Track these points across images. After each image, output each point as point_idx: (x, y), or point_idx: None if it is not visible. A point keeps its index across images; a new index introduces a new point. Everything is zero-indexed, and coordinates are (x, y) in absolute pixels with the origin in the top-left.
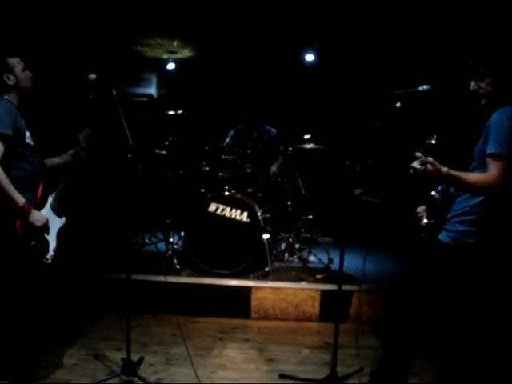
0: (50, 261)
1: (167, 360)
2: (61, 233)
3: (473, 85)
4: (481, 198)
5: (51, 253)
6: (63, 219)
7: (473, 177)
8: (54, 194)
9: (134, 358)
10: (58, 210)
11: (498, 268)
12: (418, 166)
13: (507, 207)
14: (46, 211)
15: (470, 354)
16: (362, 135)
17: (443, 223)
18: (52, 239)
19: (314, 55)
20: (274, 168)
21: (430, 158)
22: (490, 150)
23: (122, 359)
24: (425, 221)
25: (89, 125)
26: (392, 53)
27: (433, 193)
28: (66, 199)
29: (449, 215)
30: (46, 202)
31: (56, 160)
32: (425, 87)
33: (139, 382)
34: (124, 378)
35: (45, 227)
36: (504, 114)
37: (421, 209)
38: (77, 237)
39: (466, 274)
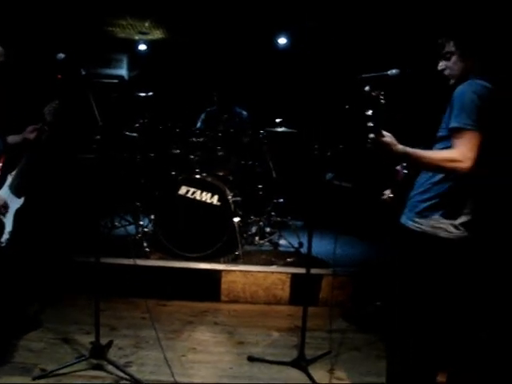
0: (4, 244)
1: (136, 343)
2: (19, 214)
3: (440, 64)
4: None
5: (7, 236)
6: (22, 199)
7: (434, 154)
8: (14, 173)
9: (104, 341)
10: (17, 190)
11: (465, 258)
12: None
13: (471, 186)
14: (4, 191)
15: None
16: (333, 119)
17: (405, 201)
18: (9, 222)
19: (287, 38)
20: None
21: (386, 134)
22: (452, 123)
23: (91, 342)
24: (387, 198)
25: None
26: (363, 36)
27: (397, 167)
28: (27, 178)
29: (412, 193)
30: (4, 181)
31: (17, 137)
32: (394, 71)
33: (108, 365)
34: (93, 361)
35: (2, 208)
36: (468, 86)
37: (388, 190)
38: (36, 218)
39: (432, 264)
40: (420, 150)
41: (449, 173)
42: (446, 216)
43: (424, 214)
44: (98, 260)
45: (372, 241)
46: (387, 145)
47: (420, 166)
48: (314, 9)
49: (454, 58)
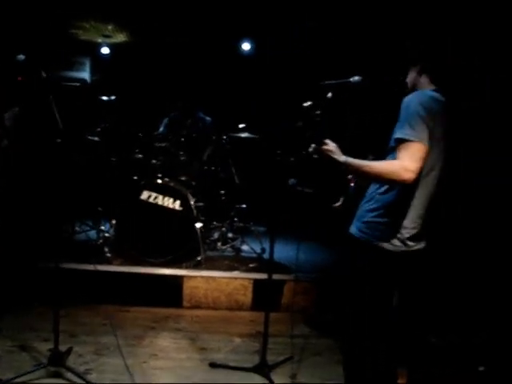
0: None
1: (97, 350)
2: None
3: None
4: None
5: None
6: None
7: (376, 165)
8: None
9: (63, 348)
10: None
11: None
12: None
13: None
14: None
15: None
16: (296, 126)
17: (355, 210)
18: None
19: (250, 44)
20: (204, 156)
21: (329, 143)
22: (397, 134)
23: (50, 350)
24: (338, 206)
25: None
26: (327, 43)
27: (349, 176)
28: None
29: (361, 202)
30: None
31: None
32: (356, 78)
33: (67, 372)
34: (51, 369)
35: None
36: (415, 97)
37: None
38: None
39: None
40: (363, 161)
41: (390, 184)
42: (390, 227)
43: (370, 224)
44: (58, 265)
45: (334, 247)
46: (328, 154)
47: (362, 176)
48: (277, 14)
49: (416, 68)
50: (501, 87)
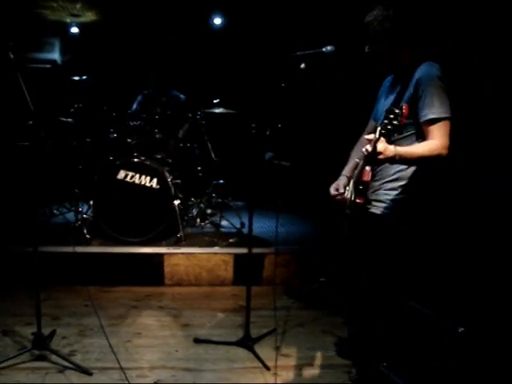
0: None
1: (80, 331)
2: None
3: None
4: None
5: None
6: None
7: (421, 149)
8: None
9: (46, 331)
10: None
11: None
12: (369, 149)
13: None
14: None
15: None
16: (270, 98)
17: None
18: None
19: (222, 18)
20: (179, 135)
21: (378, 147)
22: (430, 115)
23: (33, 333)
24: (349, 195)
25: None
26: (298, 13)
27: (366, 168)
28: None
29: (376, 183)
30: None
31: None
32: (328, 48)
33: (51, 355)
34: (36, 352)
35: None
36: (431, 70)
37: (336, 185)
38: None
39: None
40: (407, 148)
41: (431, 163)
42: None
43: (397, 201)
44: (36, 249)
45: (313, 218)
46: (382, 159)
47: (407, 161)
48: None
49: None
50: (501, 87)
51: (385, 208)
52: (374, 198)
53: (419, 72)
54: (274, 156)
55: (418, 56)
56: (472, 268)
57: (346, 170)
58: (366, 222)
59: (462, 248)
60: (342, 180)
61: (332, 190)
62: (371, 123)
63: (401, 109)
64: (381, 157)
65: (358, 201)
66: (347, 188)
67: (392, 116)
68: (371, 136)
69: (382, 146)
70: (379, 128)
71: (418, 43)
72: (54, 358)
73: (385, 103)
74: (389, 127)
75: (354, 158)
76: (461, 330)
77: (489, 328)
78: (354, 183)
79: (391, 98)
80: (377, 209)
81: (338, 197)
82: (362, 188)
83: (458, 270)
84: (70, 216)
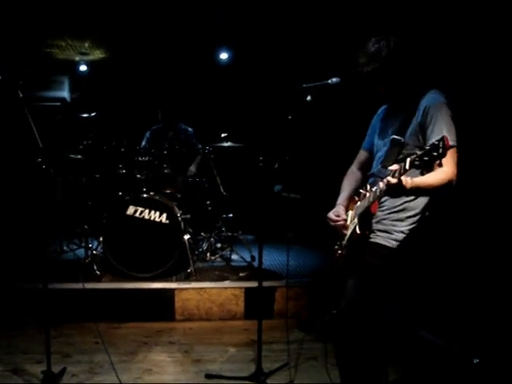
0: None
1: (90, 369)
2: None
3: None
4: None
5: None
6: None
7: (432, 178)
8: None
9: (56, 369)
10: None
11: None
12: (393, 180)
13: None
14: None
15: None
16: (278, 131)
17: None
18: None
19: (228, 53)
20: (192, 168)
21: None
22: None
23: (43, 372)
24: (350, 225)
25: None
26: (304, 47)
27: (361, 190)
28: None
29: (381, 213)
30: None
31: None
32: (334, 80)
33: None
34: None
35: None
36: (438, 98)
37: (336, 212)
38: None
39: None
40: (421, 178)
41: (442, 193)
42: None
43: (406, 232)
44: (46, 286)
45: (324, 250)
46: (404, 184)
47: (420, 192)
48: (254, 23)
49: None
50: (501, 87)
51: (393, 240)
52: (378, 227)
53: (427, 100)
54: (283, 188)
55: (422, 83)
56: (486, 298)
57: (341, 200)
58: (367, 252)
59: (474, 277)
60: (340, 209)
61: (332, 216)
62: (362, 153)
63: (442, 140)
64: (404, 190)
65: (366, 233)
66: (349, 218)
67: (429, 147)
68: (395, 167)
69: (408, 178)
70: (410, 159)
71: (421, 71)
72: None
73: (385, 133)
74: (425, 158)
75: (347, 188)
76: (476, 361)
77: (504, 359)
78: (360, 215)
79: (393, 126)
80: (382, 239)
81: (339, 223)
82: (370, 220)
83: (471, 300)
84: (80, 252)
